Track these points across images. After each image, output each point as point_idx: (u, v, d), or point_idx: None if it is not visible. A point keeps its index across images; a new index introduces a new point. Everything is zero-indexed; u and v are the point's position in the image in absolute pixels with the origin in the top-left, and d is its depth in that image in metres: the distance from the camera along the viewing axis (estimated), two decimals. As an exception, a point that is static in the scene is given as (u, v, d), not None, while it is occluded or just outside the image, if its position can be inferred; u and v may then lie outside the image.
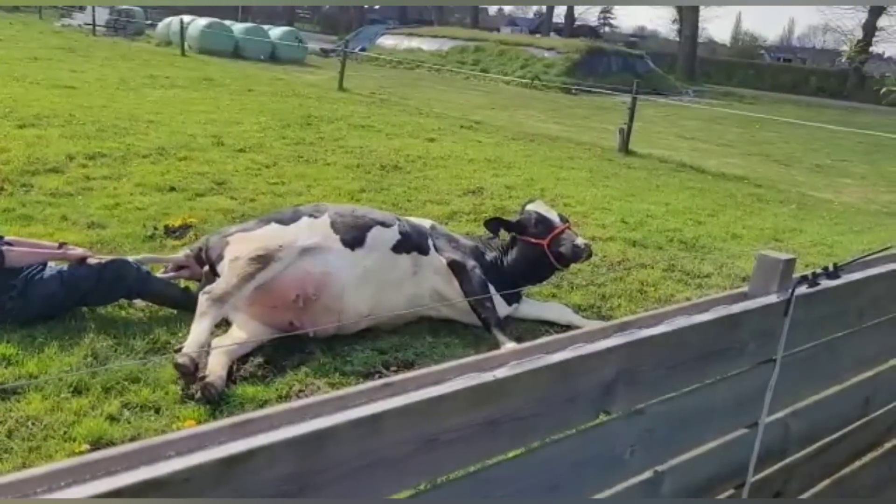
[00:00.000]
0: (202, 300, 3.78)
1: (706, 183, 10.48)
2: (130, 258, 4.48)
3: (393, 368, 3.96)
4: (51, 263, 4.29)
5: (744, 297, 1.80)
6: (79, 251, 4.35)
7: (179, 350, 3.71)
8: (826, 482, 2.21)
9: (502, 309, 4.55)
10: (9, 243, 4.20)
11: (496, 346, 4.15)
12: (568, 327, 4.54)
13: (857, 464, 2.37)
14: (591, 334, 1.43)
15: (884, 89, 12.40)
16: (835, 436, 2.15)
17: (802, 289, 1.79)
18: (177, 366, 3.47)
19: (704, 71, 42.48)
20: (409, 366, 3.99)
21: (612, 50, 29.84)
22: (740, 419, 1.82)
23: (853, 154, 16.38)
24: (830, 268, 1.83)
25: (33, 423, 3.16)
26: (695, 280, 5.87)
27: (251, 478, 0.97)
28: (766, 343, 1.80)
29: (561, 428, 1.36)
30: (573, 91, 23.38)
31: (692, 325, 1.59)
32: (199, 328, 3.67)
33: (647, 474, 1.59)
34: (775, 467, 1.98)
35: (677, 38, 42.55)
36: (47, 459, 2.89)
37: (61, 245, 4.38)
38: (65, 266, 4.24)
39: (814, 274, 1.82)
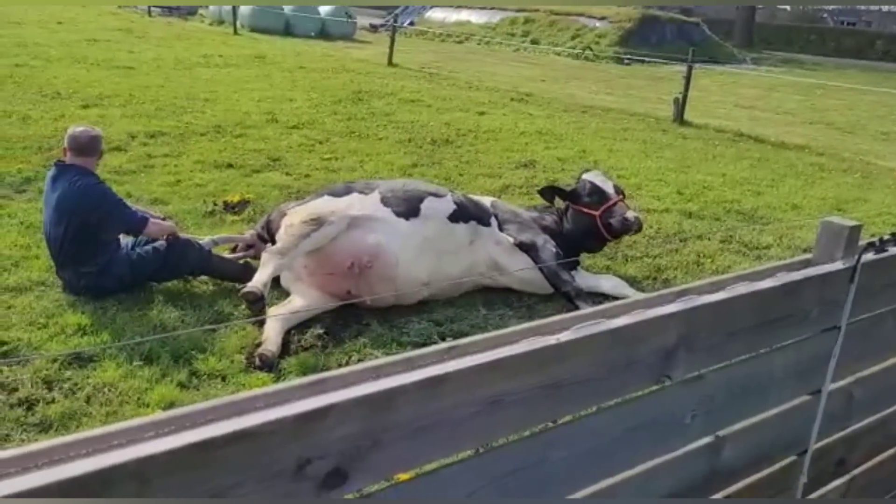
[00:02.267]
0: (264, 255, 4.09)
1: (765, 152, 10.20)
2: (205, 238, 4.68)
3: (448, 339, 4.01)
4: (125, 241, 4.49)
5: (807, 264, 1.78)
6: (171, 227, 4.57)
7: (247, 316, 3.90)
8: (890, 451, 2.18)
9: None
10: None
11: (551, 316, 4.17)
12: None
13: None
14: (650, 301, 1.45)
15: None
16: (901, 404, 2.12)
17: (869, 255, 1.76)
18: (245, 294, 3.74)
19: (763, 37, 41.01)
20: (464, 337, 4.04)
21: (666, 18, 29.00)
22: (802, 387, 1.81)
23: (922, 120, 15.69)
24: (898, 234, 1.79)
25: (109, 390, 3.32)
26: (753, 251, 5.76)
27: (326, 433, 1.02)
28: (830, 311, 1.78)
29: (621, 392, 1.38)
30: (625, 61, 22.89)
31: (753, 292, 1.59)
32: (262, 273, 3.98)
33: (708, 439, 1.61)
34: (837, 436, 1.96)
35: (734, 5, 41.10)
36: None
37: (165, 218, 4.71)
38: (132, 247, 4.44)
39: (881, 240, 1.79)
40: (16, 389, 3.25)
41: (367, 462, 1.07)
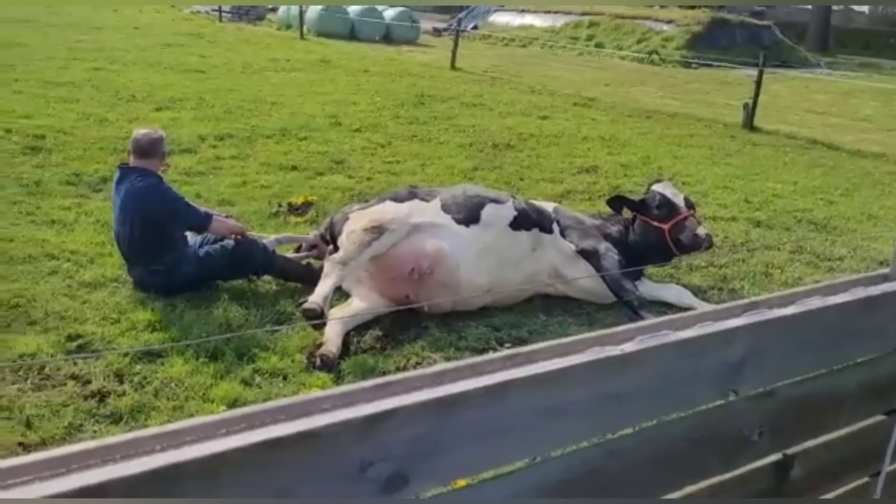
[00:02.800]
0: (326, 264, 4.11)
1: (839, 160, 9.85)
2: (270, 238, 4.79)
3: (507, 345, 4.01)
4: (190, 239, 4.62)
5: (885, 278, 1.72)
6: (239, 226, 4.70)
7: (304, 302, 3.98)
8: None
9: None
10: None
11: (611, 325, 4.12)
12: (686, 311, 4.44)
13: None
14: (718, 313, 1.41)
15: None
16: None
17: (952, 271, 1.68)
18: (305, 311, 3.78)
19: (839, 41, 39.56)
20: (522, 343, 4.02)
21: (736, 21, 28.28)
22: (877, 405, 1.74)
23: None
24: None
25: (176, 385, 3.43)
26: (825, 263, 5.57)
27: (389, 436, 1.03)
28: (909, 328, 1.71)
29: (686, 405, 1.35)
30: (693, 65, 22.43)
31: (827, 307, 1.54)
32: (324, 285, 4.02)
33: (776, 456, 1.56)
34: (914, 458, 1.88)
35: (808, 7, 39.76)
36: (190, 418, 3.13)
37: (227, 217, 4.85)
38: (200, 245, 4.58)
39: (966, 255, 1.70)
40: (89, 381, 3.39)
41: (429, 466, 1.07)
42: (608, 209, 4.87)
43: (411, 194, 4.49)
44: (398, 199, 4.41)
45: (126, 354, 3.59)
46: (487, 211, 4.33)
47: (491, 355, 1.14)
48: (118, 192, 4.43)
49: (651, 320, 1.34)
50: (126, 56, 14.29)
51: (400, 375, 1.08)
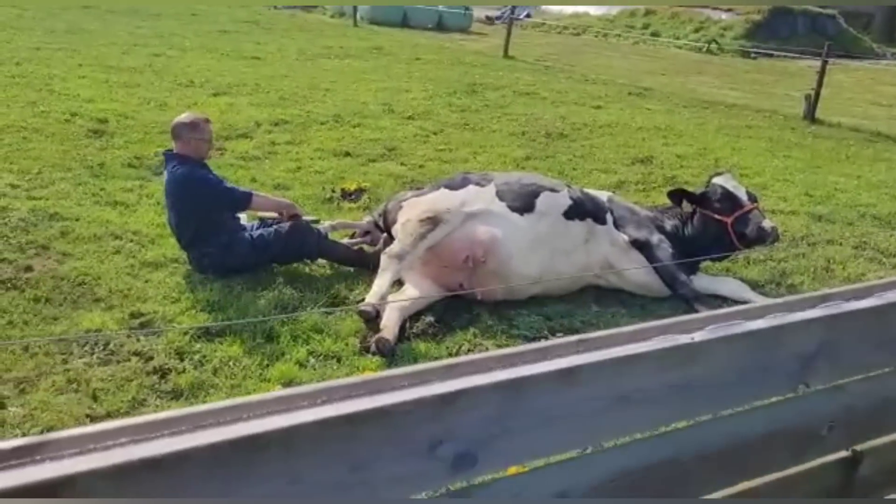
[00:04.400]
0: (383, 259, 4.06)
1: (905, 154, 9.50)
2: (326, 223, 4.85)
3: (559, 334, 3.99)
4: (246, 222, 4.71)
5: (964, 274, 1.65)
6: (297, 210, 4.75)
7: (362, 301, 3.99)
8: None
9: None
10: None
11: (665, 318, 4.07)
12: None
13: None
14: (790, 304, 1.38)
15: None
16: None
17: None
18: (360, 312, 3.77)
19: (907, 30, 38.04)
20: (574, 333, 4.00)
21: (798, 9, 27.42)
22: (952, 405, 1.68)
23: None
24: None
25: (234, 363, 3.51)
26: (891, 259, 5.39)
27: (459, 416, 1.03)
28: None
29: (756, 397, 1.33)
30: (752, 55, 21.84)
31: (905, 301, 1.49)
32: (380, 282, 3.94)
33: (844, 452, 1.52)
34: None
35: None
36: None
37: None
38: (256, 228, 4.66)
39: None
40: (151, 358, 3.49)
41: (497, 448, 1.08)
42: (663, 201, 4.80)
43: (465, 181, 4.48)
44: (452, 187, 4.41)
45: (186, 333, 3.68)
46: (542, 199, 4.31)
47: (560, 339, 1.14)
48: (165, 178, 4.57)
49: (723, 310, 1.31)
50: (184, 42, 14.58)
51: (470, 357, 1.08)
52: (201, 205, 4.45)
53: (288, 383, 3.36)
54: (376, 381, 0.98)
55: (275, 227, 4.60)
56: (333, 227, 4.91)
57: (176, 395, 3.25)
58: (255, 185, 6.32)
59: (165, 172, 4.61)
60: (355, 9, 23.69)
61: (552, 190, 4.40)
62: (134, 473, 0.84)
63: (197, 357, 3.55)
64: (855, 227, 6.13)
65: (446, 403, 1.02)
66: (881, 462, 1.62)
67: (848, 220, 6.31)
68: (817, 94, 11.43)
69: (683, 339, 1.20)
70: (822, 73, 11.52)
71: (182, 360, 3.52)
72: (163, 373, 3.40)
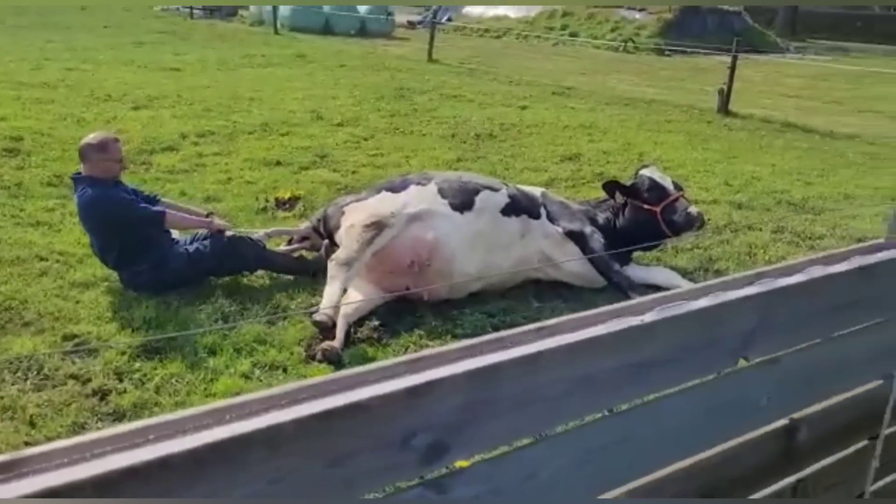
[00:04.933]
0: (330, 266, 4.05)
1: (814, 142, 10.02)
2: (260, 232, 4.78)
3: (502, 331, 4.05)
4: (178, 236, 4.61)
5: (879, 248, 1.78)
6: (222, 223, 4.65)
7: (307, 309, 3.97)
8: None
9: (608, 272, 4.57)
10: (164, 205, 4.57)
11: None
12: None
13: None
14: (728, 283, 1.47)
15: None
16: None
17: (943, 238, 1.75)
18: (315, 322, 3.74)
19: (807, 25, 40.06)
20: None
21: (707, 8, 28.54)
22: (875, 370, 1.82)
23: (979, 106, 15.20)
24: (975, 216, 1.78)
25: (177, 380, 3.44)
26: (806, 242, 5.69)
27: (430, 407, 1.07)
28: (904, 294, 1.78)
29: (703, 373, 1.41)
30: (666, 52, 22.60)
31: (828, 275, 1.60)
32: (331, 290, 3.93)
33: (783, 422, 1.62)
34: (910, 420, 1.95)
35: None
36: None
37: (209, 214, 4.70)
38: (191, 242, 4.55)
39: (955, 223, 1.78)
40: (89, 380, 3.39)
41: (467, 435, 1.11)
42: (594, 196, 4.94)
43: (405, 182, 4.51)
44: (393, 189, 4.43)
45: (124, 352, 3.59)
46: (481, 197, 4.38)
47: (521, 328, 1.19)
48: (75, 203, 4.42)
49: (666, 293, 1.39)
50: (98, 56, 14.12)
51: (437, 349, 1.12)
52: (116, 227, 4.30)
53: (234, 396, 3.31)
54: (350, 378, 1.00)
55: (210, 239, 4.52)
56: (269, 236, 4.86)
57: (118, 417, 3.17)
58: (185, 198, 6.18)
59: (75, 197, 4.42)
60: (275, 16, 23.38)
61: (490, 188, 4.48)
62: (114, 484, 0.84)
63: (137, 376, 3.46)
64: (772, 212, 6.44)
65: (418, 395, 1.05)
66: (816, 428, 1.73)
67: (765, 206, 6.62)
68: (729, 89, 11.93)
69: (635, 320, 1.27)
70: (732, 68, 12.04)
71: (122, 380, 3.43)
72: (102, 394, 3.30)
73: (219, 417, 0.90)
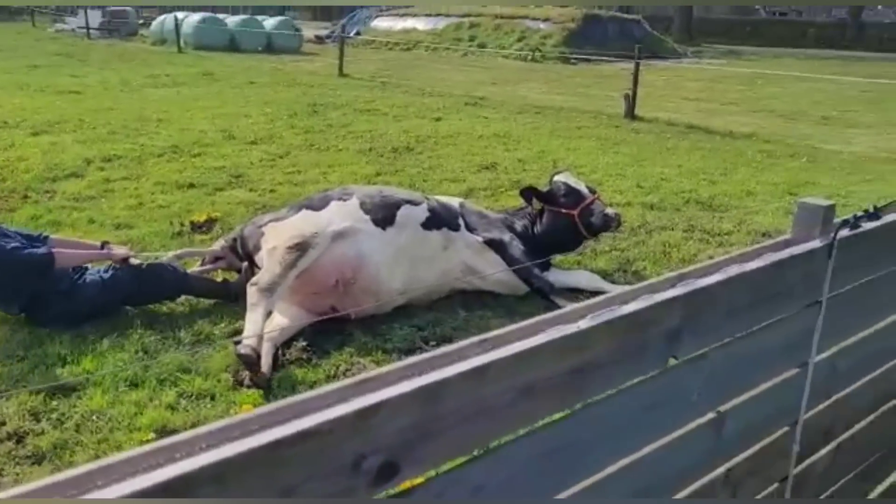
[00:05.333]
0: (251, 291, 3.89)
1: (715, 143, 10.51)
2: (168, 255, 4.60)
3: (432, 343, 4.07)
4: (92, 265, 4.41)
5: (786, 244, 1.89)
6: (122, 251, 4.46)
7: (231, 335, 3.84)
8: (871, 417, 2.31)
9: (531, 278, 4.66)
10: (53, 243, 4.32)
11: (530, 315, 4.27)
12: (597, 294, 4.65)
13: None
14: (653, 286, 1.53)
15: None
16: (881, 370, 2.25)
17: (845, 232, 1.88)
18: (240, 356, 3.59)
19: (701, 30, 42.04)
20: (447, 340, 4.09)
21: (607, 16, 29.56)
22: (792, 360, 1.92)
23: (859, 104, 16.30)
24: (871, 209, 1.91)
25: (98, 417, 3.29)
26: (716, 238, 5.95)
27: (379, 429, 1.07)
28: (812, 286, 1.89)
29: (637, 374, 1.46)
30: (572, 61, 23.26)
31: (744, 273, 1.68)
32: (253, 318, 3.79)
33: (711, 415, 1.70)
34: (825, 404, 2.08)
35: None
36: (117, 449, 3.01)
37: (104, 245, 4.49)
38: (106, 269, 4.35)
39: (855, 217, 1.91)
40: (3, 423, 3.20)
41: (417, 453, 1.12)
42: (512, 204, 5.03)
43: (326, 198, 4.45)
44: (314, 207, 4.36)
45: (39, 392, 3.41)
46: (402, 212, 4.38)
47: (466, 342, 1.20)
48: None
49: (601, 297, 1.43)
50: (-10, 80, 13.41)
51: (384, 369, 1.12)
52: (7, 274, 4.01)
53: (161, 429, 3.19)
54: (298, 404, 0.99)
55: (128, 265, 4.33)
56: (178, 258, 4.69)
57: (37, 460, 3.00)
58: (93, 226, 5.94)
59: None
60: (178, 34, 22.78)
61: (411, 202, 4.49)
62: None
63: (55, 416, 3.29)
64: (682, 212, 6.71)
65: (367, 417, 1.05)
66: (741, 419, 1.81)
67: (675, 206, 6.89)
68: (634, 94, 12.40)
69: (571, 328, 1.31)
70: (636, 74, 12.52)
71: (39, 420, 3.25)
72: (18, 437, 3.12)
73: (169, 455, 0.87)
